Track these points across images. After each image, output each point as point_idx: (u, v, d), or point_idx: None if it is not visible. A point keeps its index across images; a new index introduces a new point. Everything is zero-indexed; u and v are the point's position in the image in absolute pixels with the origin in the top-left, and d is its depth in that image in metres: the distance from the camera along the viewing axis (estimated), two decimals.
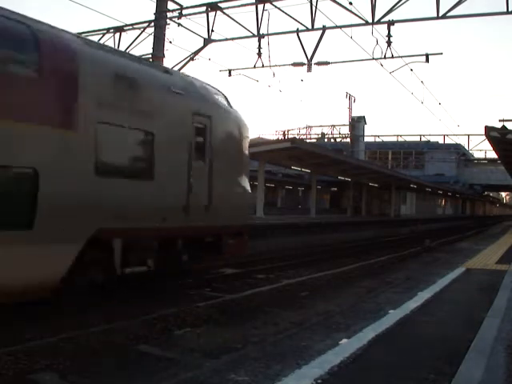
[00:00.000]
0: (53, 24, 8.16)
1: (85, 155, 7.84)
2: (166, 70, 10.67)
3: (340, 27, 16.95)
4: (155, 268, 9.21)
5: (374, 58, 17.62)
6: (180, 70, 17.76)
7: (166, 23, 17.90)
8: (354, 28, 16.96)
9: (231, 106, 11.71)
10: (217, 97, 11.27)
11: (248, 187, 11.98)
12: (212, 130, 10.43)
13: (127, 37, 19.87)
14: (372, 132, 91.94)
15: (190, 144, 9.85)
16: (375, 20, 16.26)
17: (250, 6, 17.49)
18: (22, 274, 6.89)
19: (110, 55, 9.02)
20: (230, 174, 11.19)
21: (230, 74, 20.50)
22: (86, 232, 7.75)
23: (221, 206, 10.44)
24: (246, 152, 12.00)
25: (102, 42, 19.51)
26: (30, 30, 7.51)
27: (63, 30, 8.49)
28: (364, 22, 16.38)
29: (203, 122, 10.26)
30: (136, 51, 18.50)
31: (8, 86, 6.94)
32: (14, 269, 6.77)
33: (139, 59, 10.57)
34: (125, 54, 9.91)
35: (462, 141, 59.41)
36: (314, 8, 16.65)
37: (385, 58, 17.46)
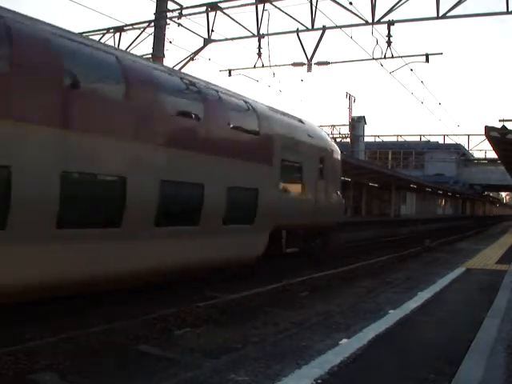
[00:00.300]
0: (53, 24, 8.14)
1: (276, 180, 12.72)
2: (301, 120, 14.98)
3: (340, 27, 16.96)
4: (301, 249, 14.05)
5: (373, 58, 17.62)
6: (180, 69, 17.75)
7: (166, 23, 17.90)
8: (353, 28, 16.97)
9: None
10: (325, 134, 17.13)
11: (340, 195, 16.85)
12: (325, 158, 15.18)
13: (127, 37, 19.88)
14: (372, 132, 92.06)
15: (317, 169, 14.71)
16: (375, 20, 16.26)
17: (250, 6, 17.50)
18: (252, 250, 12.03)
19: (285, 118, 14.01)
20: (333, 187, 15.97)
21: (230, 74, 20.50)
22: (272, 226, 12.47)
23: (328, 209, 15.21)
24: (339, 170, 16.82)
25: (101, 42, 19.53)
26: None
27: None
28: (364, 21, 16.38)
29: (322, 153, 15.09)
30: (136, 51, 18.51)
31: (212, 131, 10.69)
32: (242, 249, 11.69)
33: (292, 116, 14.83)
34: (286, 114, 14.52)
35: (462, 141, 59.51)
36: (314, 8, 16.66)
37: (385, 58, 17.46)
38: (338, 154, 16.45)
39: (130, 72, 8.86)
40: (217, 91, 11.23)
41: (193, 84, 10.61)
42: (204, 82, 11.15)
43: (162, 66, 12.45)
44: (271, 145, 12.50)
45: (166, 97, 9.75)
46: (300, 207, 13.61)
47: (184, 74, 11.53)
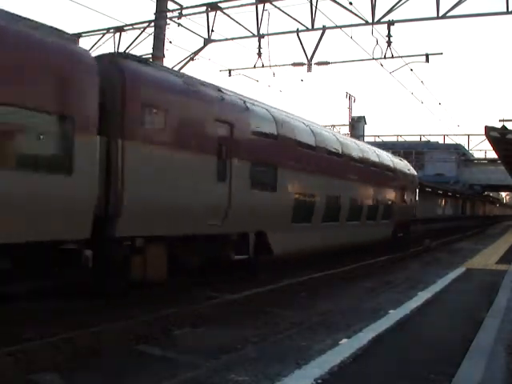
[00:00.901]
0: (53, 24, 8.20)
1: (394, 197, 21.14)
2: (401, 159, 24.15)
3: (340, 27, 16.94)
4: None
5: (374, 58, 17.61)
6: (180, 69, 17.75)
7: (166, 23, 17.87)
8: (353, 28, 16.93)
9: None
10: (412, 169, 24.86)
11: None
12: (413, 179, 24.21)
13: (127, 37, 19.82)
14: (372, 132, 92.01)
15: (413, 189, 23.70)
16: (375, 20, 16.24)
17: (250, 6, 17.49)
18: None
19: (399, 161, 23.53)
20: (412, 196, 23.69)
21: (230, 74, 20.49)
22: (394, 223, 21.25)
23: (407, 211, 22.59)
24: (416, 182, 24.73)
25: (101, 42, 19.53)
26: None
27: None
28: (364, 21, 16.36)
29: (414, 178, 24.25)
30: (136, 51, 18.50)
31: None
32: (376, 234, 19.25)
33: (400, 158, 24.49)
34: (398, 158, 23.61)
35: (462, 141, 59.39)
36: (314, 8, 16.64)
37: (385, 58, 17.44)
38: (416, 177, 25.08)
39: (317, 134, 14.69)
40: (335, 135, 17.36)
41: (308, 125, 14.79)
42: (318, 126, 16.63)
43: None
44: (399, 179, 21.74)
45: (322, 143, 14.97)
46: (404, 212, 22.30)
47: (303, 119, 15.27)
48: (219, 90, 11.09)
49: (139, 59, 9.63)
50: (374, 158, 19.19)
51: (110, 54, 9.48)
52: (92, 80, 7.80)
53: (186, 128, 9.54)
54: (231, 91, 11.91)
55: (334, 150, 15.70)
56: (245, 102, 11.83)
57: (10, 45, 6.84)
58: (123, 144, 8.21)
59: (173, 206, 9.15)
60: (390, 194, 20.52)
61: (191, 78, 10.65)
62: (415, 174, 24.96)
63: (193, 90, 10.01)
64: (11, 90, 6.74)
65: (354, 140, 20.58)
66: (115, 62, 8.73)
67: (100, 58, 8.62)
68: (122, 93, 8.34)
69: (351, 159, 16.92)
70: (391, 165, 21.20)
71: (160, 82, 9.38)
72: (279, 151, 12.47)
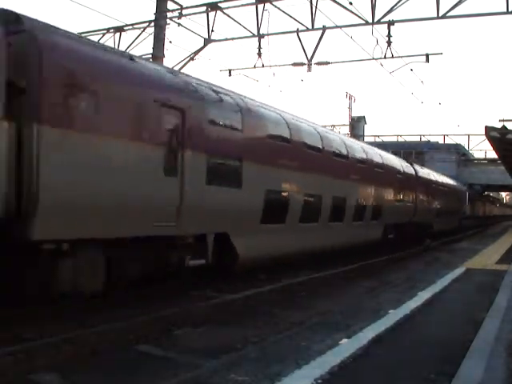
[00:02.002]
0: (53, 23, 8.09)
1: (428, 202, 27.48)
2: (445, 177, 32.29)
3: (340, 27, 16.96)
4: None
5: (374, 58, 17.65)
6: (180, 69, 17.75)
7: (166, 23, 17.89)
8: (354, 28, 16.99)
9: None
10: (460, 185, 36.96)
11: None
12: (461, 190, 37.50)
13: (127, 37, 19.85)
14: (372, 132, 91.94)
15: (458, 198, 36.18)
16: (375, 20, 16.27)
17: (250, 6, 17.51)
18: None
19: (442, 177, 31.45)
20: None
21: (230, 74, 20.52)
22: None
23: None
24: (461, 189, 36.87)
25: (101, 42, 19.53)
26: None
27: None
28: (364, 21, 16.39)
29: (462, 191, 37.64)
30: (136, 51, 18.51)
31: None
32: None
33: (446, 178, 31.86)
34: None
35: (462, 141, 59.33)
36: (314, 8, 16.67)
37: (385, 57, 17.49)
38: (462, 189, 36.78)
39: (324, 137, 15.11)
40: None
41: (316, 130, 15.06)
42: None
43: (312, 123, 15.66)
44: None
45: (298, 133, 13.66)
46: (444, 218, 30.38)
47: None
48: (171, 72, 10.12)
49: (60, 30, 7.88)
50: (360, 154, 17.59)
51: (32, 24, 7.28)
52: None
53: (121, 113, 8.08)
54: (188, 75, 10.72)
55: (312, 143, 13.98)
56: (197, 85, 10.18)
57: None
58: (39, 130, 6.75)
59: (107, 204, 7.76)
60: (381, 194, 18.84)
61: (131, 55, 9.51)
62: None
63: (133, 68, 8.66)
64: None
65: (339, 135, 19.16)
66: (29, 31, 7.04)
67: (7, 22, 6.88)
68: (39, 68, 6.86)
69: (333, 153, 15.28)
70: (379, 160, 19.28)
71: (88, 57, 7.81)
72: (245, 143, 11.08)
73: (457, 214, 35.51)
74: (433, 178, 28.74)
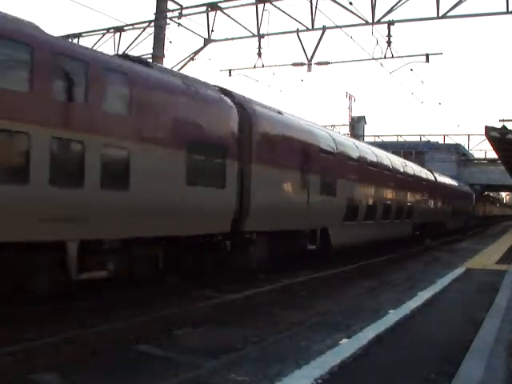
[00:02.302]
0: (53, 23, 8.12)
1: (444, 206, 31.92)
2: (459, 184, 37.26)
3: (340, 27, 16.95)
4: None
5: (374, 58, 17.63)
6: (180, 69, 17.75)
7: (166, 23, 17.89)
8: (354, 28, 16.97)
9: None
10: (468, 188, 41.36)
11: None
12: (469, 193, 42.43)
13: (127, 37, 19.83)
14: (372, 132, 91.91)
15: (467, 200, 40.82)
16: (375, 20, 16.26)
17: (250, 6, 17.50)
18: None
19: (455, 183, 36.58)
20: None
21: (230, 74, 20.50)
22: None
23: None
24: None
25: (101, 41, 19.53)
26: None
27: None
28: (364, 21, 16.38)
29: (470, 194, 42.44)
30: (136, 51, 18.50)
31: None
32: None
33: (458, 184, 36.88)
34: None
35: (462, 141, 59.33)
36: (314, 8, 16.65)
37: (385, 57, 17.47)
38: (470, 192, 41.78)
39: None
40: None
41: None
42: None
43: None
44: (446, 193, 31.34)
45: (383, 164, 20.29)
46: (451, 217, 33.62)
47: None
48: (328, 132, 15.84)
49: (261, 104, 12.63)
50: (399, 167, 22.67)
51: (241, 99, 11.83)
52: (234, 122, 11.11)
53: (288, 152, 12.85)
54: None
55: (372, 161, 19.03)
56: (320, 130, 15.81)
57: (199, 100, 10.12)
58: (251, 166, 11.36)
59: (280, 209, 12.40)
60: (412, 198, 23.81)
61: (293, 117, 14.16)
62: (433, 178, 28.94)
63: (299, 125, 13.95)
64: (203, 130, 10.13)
65: (371, 147, 21.74)
66: (245, 106, 11.64)
67: (233, 102, 11.35)
68: (250, 128, 11.43)
69: (384, 168, 20.37)
70: (411, 171, 24.33)
71: (273, 120, 12.68)
72: (336, 166, 15.63)
73: (466, 214, 40.92)
74: (447, 182, 33.81)
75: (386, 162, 20.78)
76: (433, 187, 28.10)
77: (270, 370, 5.53)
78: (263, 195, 11.63)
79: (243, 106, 11.57)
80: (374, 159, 19.17)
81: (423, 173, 26.95)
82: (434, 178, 29.23)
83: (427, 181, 27.06)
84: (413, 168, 24.98)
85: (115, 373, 6.01)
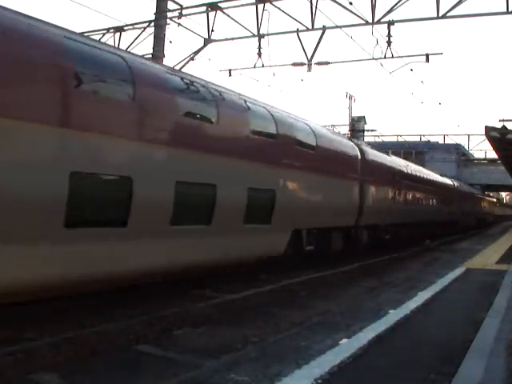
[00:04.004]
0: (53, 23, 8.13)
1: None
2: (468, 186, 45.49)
3: (340, 27, 16.96)
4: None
5: (374, 58, 17.65)
6: (180, 69, 17.75)
7: (166, 23, 17.89)
8: (354, 28, 16.98)
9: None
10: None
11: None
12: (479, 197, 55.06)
13: (127, 37, 19.85)
14: (372, 132, 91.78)
15: (476, 202, 51.31)
16: (375, 20, 16.26)
17: (250, 6, 17.51)
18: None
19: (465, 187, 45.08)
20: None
21: (230, 74, 20.52)
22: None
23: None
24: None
25: (102, 41, 19.49)
26: None
27: None
28: (364, 21, 16.38)
29: (480, 197, 54.58)
30: (136, 51, 18.50)
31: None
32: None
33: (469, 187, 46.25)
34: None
35: (462, 141, 59.42)
36: (314, 8, 16.66)
37: (385, 57, 17.49)
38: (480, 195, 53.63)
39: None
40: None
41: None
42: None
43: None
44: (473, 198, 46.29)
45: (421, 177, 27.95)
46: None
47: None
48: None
49: (366, 144, 19.97)
50: (433, 177, 31.42)
51: (355, 141, 18.99)
52: (357, 159, 17.23)
53: (379, 169, 19.44)
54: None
55: (415, 175, 26.78)
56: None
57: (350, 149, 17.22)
58: (363, 183, 17.34)
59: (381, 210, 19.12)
60: (440, 200, 31.82)
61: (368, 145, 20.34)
62: (452, 184, 37.21)
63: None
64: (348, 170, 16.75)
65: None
66: (358, 146, 18.13)
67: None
68: (361, 160, 17.49)
69: (420, 179, 27.44)
70: (441, 180, 33.83)
71: (374, 155, 19.48)
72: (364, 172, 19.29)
73: (476, 215, 49.23)
74: (462, 188, 41.17)
75: (424, 174, 28.61)
76: (452, 192, 36.52)
77: (269, 369, 5.53)
78: (370, 202, 18.04)
79: (359, 147, 18.17)
80: (423, 176, 27.86)
81: (450, 182, 36.59)
82: (453, 184, 37.38)
83: (452, 187, 36.66)
84: (439, 179, 33.37)
85: (115, 373, 6.00)
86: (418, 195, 25.97)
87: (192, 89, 10.01)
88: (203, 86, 10.29)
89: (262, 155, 11.30)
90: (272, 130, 11.97)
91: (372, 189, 18.38)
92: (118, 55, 8.61)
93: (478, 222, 50.76)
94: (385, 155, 21.71)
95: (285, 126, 12.47)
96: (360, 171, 17.13)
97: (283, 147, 12.26)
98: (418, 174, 26.48)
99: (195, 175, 9.21)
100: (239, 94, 11.57)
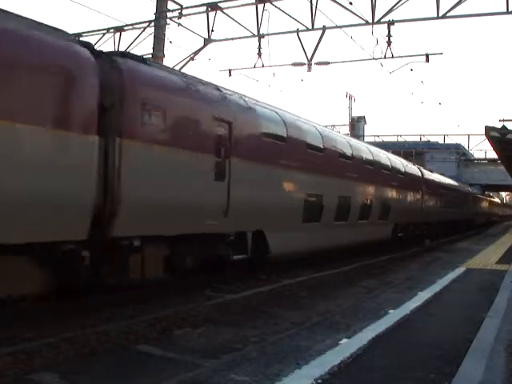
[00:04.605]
0: (53, 23, 8.08)
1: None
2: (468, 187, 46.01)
3: (340, 27, 16.96)
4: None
5: (374, 58, 17.65)
6: (180, 69, 17.74)
7: (166, 23, 17.90)
8: (354, 28, 16.99)
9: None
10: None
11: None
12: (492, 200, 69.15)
13: (127, 36, 19.85)
14: (372, 132, 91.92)
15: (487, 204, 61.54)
16: (375, 20, 16.27)
17: (250, 6, 17.51)
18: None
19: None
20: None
21: (230, 74, 20.52)
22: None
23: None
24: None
25: (102, 41, 19.53)
26: None
27: None
28: (364, 22, 16.39)
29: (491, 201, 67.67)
30: (136, 51, 18.49)
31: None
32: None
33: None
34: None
35: (462, 141, 59.38)
36: (314, 8, 16.67)
37: (385, 57, 17.50)
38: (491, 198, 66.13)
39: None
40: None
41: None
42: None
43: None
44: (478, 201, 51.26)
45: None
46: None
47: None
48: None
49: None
50: (455, 186, 37.35)
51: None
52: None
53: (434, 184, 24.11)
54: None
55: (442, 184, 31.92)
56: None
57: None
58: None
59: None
60: (458, 204, 36.62)
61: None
62: (468, 190, 43.65)
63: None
64: None
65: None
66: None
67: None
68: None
69: (441, 186, 31.05)
70: (461, 189, 39.59)
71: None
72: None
73: (486, 215, 58.99)
74: (475, 193, 47.76)
75: (453, 184, 35.68)
76: (468, 197, 42.68)
77: (269, 369, 5.53)
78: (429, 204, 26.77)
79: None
80: (452, 186, 35.70)
81: (466, 189, 42.58)
82: (469, 190, 43.85)
83: (468, 193, 43.09)
84: (459, 186, 39.08)
85: (115, 373, 6.00)
86: (450, 200, 33.56)
87: (312, 130, 14.30)
88: (314, 127, 14.72)
89: (347, 173, 15.86)
90: (349, 153, 16.35)
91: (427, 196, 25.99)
92: (275, 111, 12.84)
93: (487, 220, 61.75)
94: (440, 176, 31.68)
95: (360, 151, 17.46)
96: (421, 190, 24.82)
97: (357, 167, 16.79)
98: (449, 185, 34.44)
99: (341, 191, 15.38)
100: (325, 128, 16.78)
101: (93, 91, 7.54)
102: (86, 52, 7.70)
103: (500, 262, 16.60)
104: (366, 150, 18.37)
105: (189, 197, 9.22)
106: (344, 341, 6.53)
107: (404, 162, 24.04)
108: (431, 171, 29.91)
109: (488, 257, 18.56)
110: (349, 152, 16.21)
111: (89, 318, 7.69)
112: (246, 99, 11.82)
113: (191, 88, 9.79)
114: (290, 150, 12.54)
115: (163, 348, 6.92)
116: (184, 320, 8.23)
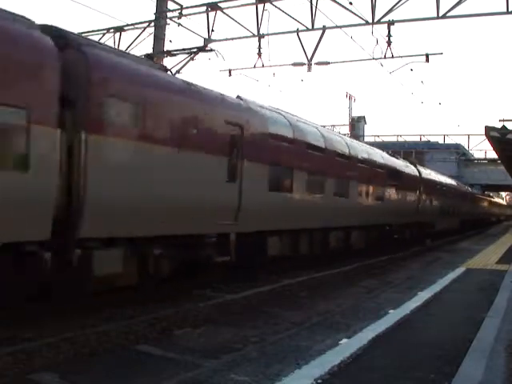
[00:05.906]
0: (53, 23, 8.06)
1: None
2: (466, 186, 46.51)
3: (340, 27, 16.93)
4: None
5: (374, 58, 17.61)
6: (180, 69, 17.73)
7: (166, 23, 17.88)
8: (354, 28, 16.94)
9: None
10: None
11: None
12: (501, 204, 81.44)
13: (127, 36, 19.82)
14: (372, 132, 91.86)
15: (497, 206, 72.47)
16: (375, 20, 16.23)
17: (250, 6, 17.49)
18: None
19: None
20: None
21: (230, 74, 20.48)
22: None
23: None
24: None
25: (102, 41, 19.50)
26: None
27: None
28: (364, 21, 16.35)
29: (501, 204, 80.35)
30: (136, 51, 18.48)
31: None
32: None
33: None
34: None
35: (462, 141, 59.37)
36: (314, 8, 16.63)
37: (385, 57, 17.44)
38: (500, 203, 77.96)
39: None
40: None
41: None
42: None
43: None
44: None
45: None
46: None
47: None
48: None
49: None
50: (466, 191, 40.69)
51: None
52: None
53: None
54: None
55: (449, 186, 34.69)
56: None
57: None
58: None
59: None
60: (475, 206, 42.59)
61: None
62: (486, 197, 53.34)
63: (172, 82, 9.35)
64: None
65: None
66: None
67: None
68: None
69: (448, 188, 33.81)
70: (477, 195, 45.20)
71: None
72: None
73: (495, 215, 68.74)
74: (488, 196, 55.71)
75: (455, 183, 36.70)
76: (483, 201, 49.19)
77: (269, 369, 5.53)
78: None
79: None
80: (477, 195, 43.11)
81: (481, 196, 48.62)
82: (489, 197, 50.36)
83: (484, 199, 51.08)
84: (476, 193, 44.53)
85: (115, 373, 6.00)
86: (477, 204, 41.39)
87: (338, 139, 16.47)
88: (340, 137, 17.15)
89: (369, 178, 17.76)
90: (380, 161, 19.34)
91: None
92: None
93: (496, 219, 73.37)
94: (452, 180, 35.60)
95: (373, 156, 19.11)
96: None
97: (381, 173, 19.12)
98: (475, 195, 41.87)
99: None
100: (348, 138, 19.86)
101: (52, 81, 6.83)
102: (46, 39, 6.96)
103: (500, 262, 16.61)
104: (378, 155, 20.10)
105: (168, 195, 8.50)
106: (344, 341, 6.53)
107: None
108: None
109: (488, 257, 18.56)
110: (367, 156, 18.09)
111: (89, 318, 7.69)
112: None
113: (167, 80, 9.23)
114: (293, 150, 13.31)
115: (163, 348, 6.92)
116: (184, 320, 8.23)
